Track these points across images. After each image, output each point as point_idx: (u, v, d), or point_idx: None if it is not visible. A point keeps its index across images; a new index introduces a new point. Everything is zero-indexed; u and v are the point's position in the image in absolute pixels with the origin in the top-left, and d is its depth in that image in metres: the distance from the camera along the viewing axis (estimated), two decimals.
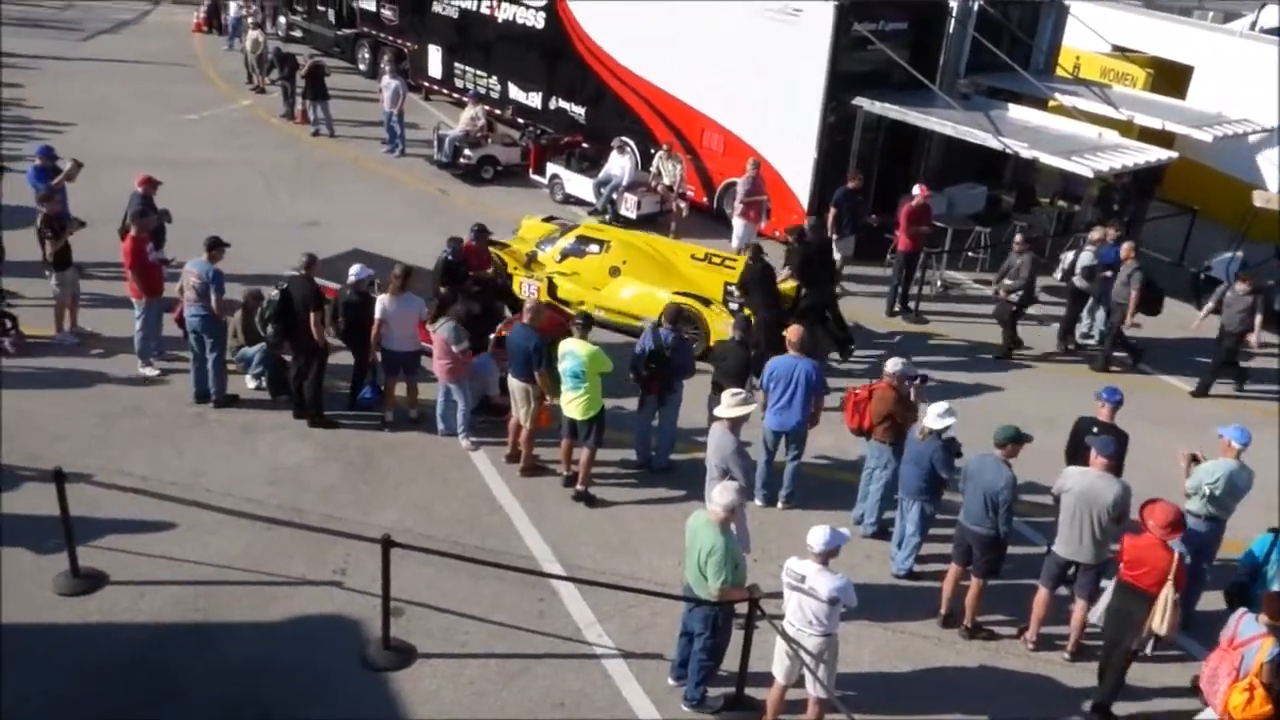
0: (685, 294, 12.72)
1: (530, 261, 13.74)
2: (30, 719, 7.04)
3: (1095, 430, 8.90)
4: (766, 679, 7.40)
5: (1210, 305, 13.88)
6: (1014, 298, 13.58)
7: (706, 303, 12.72)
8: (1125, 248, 13.59)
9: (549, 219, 15.49)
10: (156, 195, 12.84)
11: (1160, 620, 7.37)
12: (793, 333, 10.01)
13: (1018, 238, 13.84)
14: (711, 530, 6.99)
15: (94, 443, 10.20)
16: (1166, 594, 7.32)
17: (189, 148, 19.56)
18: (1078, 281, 13.85)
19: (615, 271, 13.40)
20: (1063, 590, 8.49)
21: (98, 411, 10.75)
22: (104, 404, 10.87)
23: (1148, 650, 8.19)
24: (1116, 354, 13.77)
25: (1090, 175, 14.59)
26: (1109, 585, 7.91)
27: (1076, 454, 8.90)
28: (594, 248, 13.76)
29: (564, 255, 13.79)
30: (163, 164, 16.48)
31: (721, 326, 12.11)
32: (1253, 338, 12.97)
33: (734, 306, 12.51)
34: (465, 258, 11.88)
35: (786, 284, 12.99)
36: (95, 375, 11.45)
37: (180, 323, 11.17)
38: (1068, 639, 8.48)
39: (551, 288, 13.36)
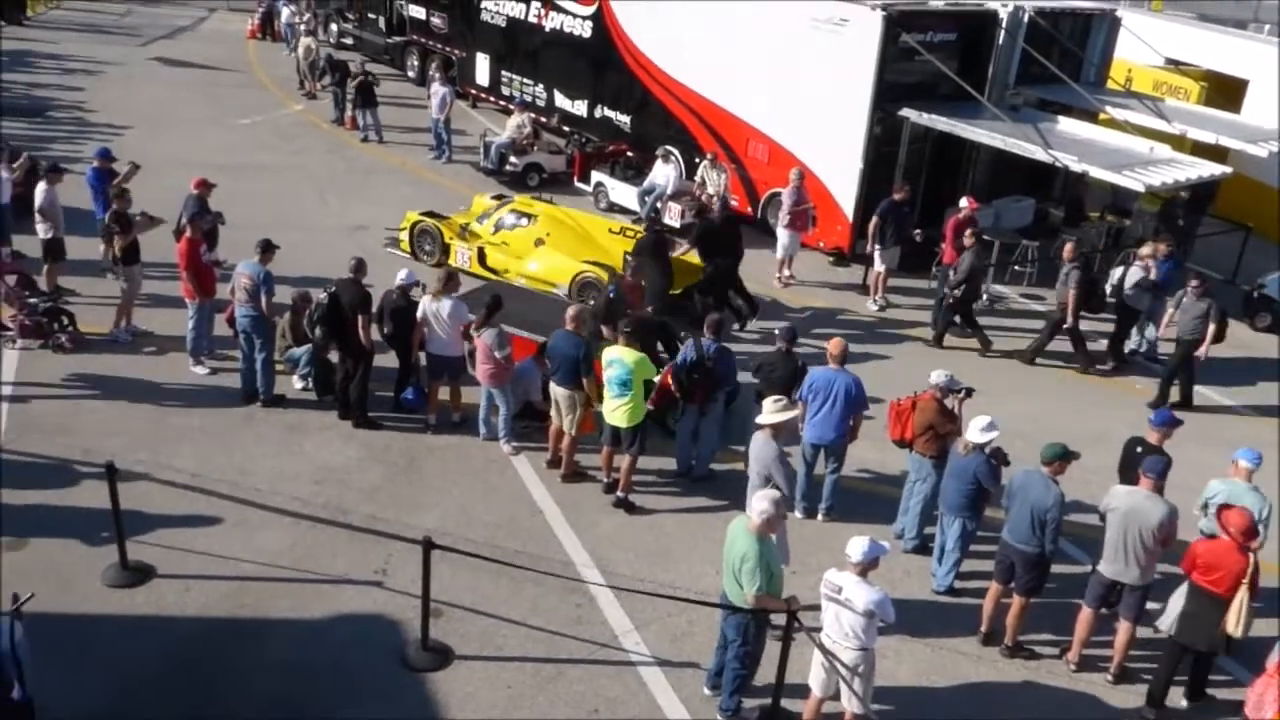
0: (593, 262, 13.66)
1: (464, 232, 14.85)
2: (79, 708, 7.18)
3: (1140, 450, 8.80)
4: (803, 691, 7.37)
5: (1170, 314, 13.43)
6: (957, 292, 13.85)
7: (610, 270, 13.33)
8: (1068, 248, 13.80)
9: (497, 197, 16.36)
10: (210, 197, 13.08)
11: (1235, 623, 7.40)
12: (834, 345, 9.95)
13: (969, 230, 14.03)
14: (748, 537, 6.99)
15: (145, 439, 10.40)
16: (1242, 597, 7.34)
17: (242, 151, 19.92)
18: (1127, 298, 13.67)
19: (540, 242, 14.32)
20: (1107, 610, 8.38)
21: (150, 408, 10.96)
22: (156, 401, 11.08)
23: (1225, 653, 8.10)
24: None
25: (1141, 190, 14.41)
26: (1178, 593, 7.85)
27: (1127, 473, 8.79)
28: (524, 221, 14.75)
29: (497, 227, 14.81)
30: (216, 167, 16.84)
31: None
32: (1201, 350, 12.70)
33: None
34: (626, 295, 11.87)
35: (690, 255, 13.81)
36: (148, 373, 11.68)
37: (231, 323, 11.37)
38: (1111, 660, 8.36)
39: (481, 256, 14.46)
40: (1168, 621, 7.92)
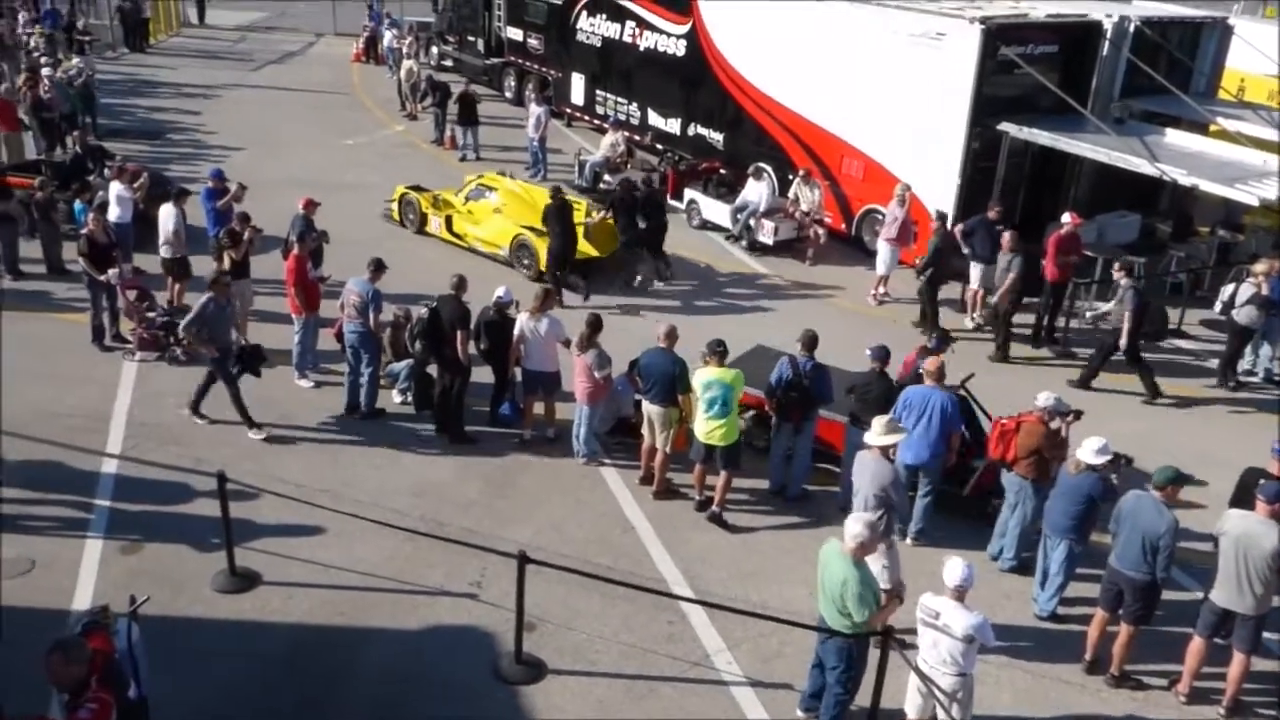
0: (528, 227, 15.59)
1: (437, 202, 17.07)
2: (186, 708, 7.42)
3: (1262, 480, 8.43)
4: (898, 716, 7.25)
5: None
6: (925, 275, 14.40)
7: (541, 234, 15.30)
8: (1006, 236, 13.83)
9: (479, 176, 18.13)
10: (316, 216, 13.50)
11: None
12: (931, 363, 9.77)
13: (935, 213, 14.69)
14: (843, 561, 6.86)
15: (253, 449, 10.76)
16: None
17: (347, 171, 20.53)
18: (1239, 316, 13.17)
19: (497, 211, 16.40)
20: (1220, 640, 8.06)
21: (257, 419, 11.30)
22: (263, 413, 11.42)
23: None
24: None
25: (1255, 203, 13.90)
26: None
27: (1242, 502, 8.44)
28: (489, 194, 16.72)
29: (468, 199, 16.89)
30: (322, 186, 17.38)
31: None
32: (1122, 341, 12.66)
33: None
34: None
35: (608, 220, 15.70)
36: (255, 384, 12.02)
37: (339, 338, 11.70)
38: (1224, 693, 8.03)
39: (449, 222, 16.78)
40: None
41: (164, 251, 13.32)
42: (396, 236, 17.01)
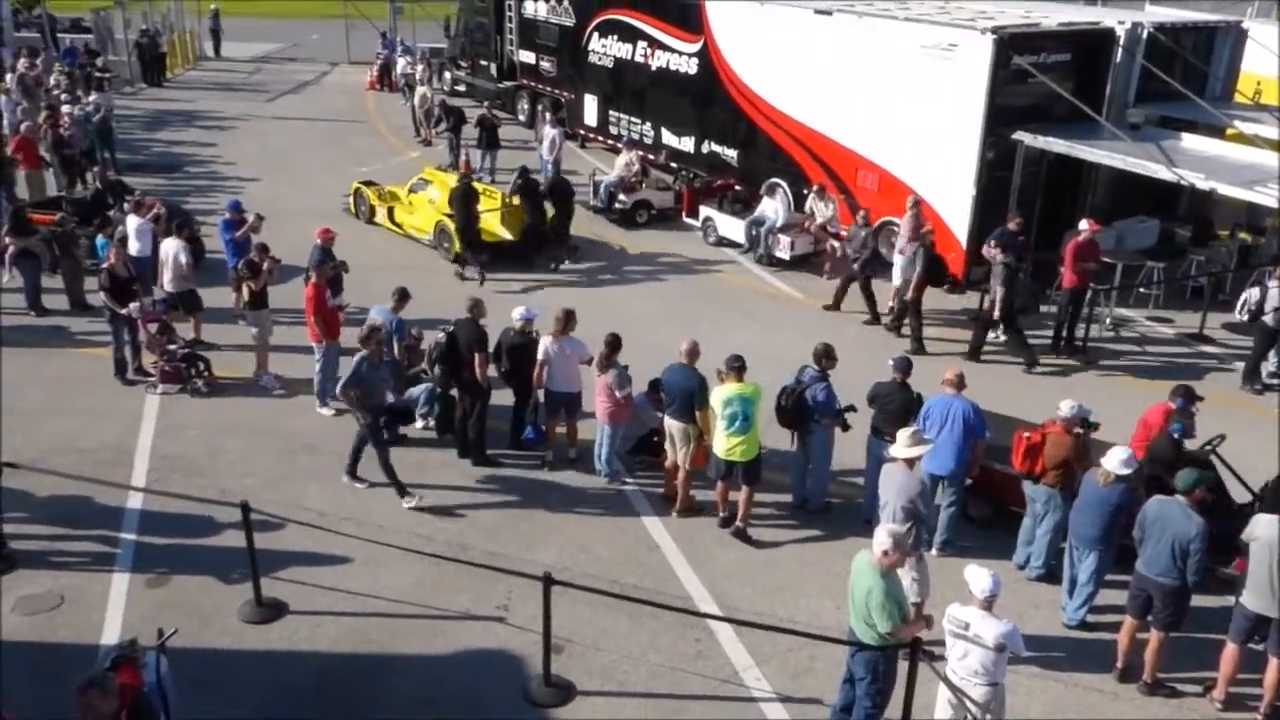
0: (449, 215, 17.01)
1: (383, 194, 18.93)
2: None
3: None
4: None
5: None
6: (856, 264, 15.23)
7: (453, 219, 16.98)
8: (906, 226, 14.55)
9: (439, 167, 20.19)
10: (335, 245, 13.56)
11: None
12: (950, 372, 9.76)
13: (861, 211, 15.59)
14: (872, 573, 6.84)
15: (276, 479, 10.81)
16: None
17: None
18: (1271, 320, 13.06)
19: (431, 202, 17.90)
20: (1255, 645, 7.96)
21: (279, 449, 11.39)
22: (285, 442, 11.51)
23: None
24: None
25: (1276, 205, 13.79)
26: None
27: (1275, 505, 8.35)
28: (426, 187, 18.33)
29: (411, 190, 18.52)
30: (338, 215, 17.49)
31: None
32: (996, 313, 13.66)
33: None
34: None
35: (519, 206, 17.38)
36: (277, 414, 12.16)
37: None
38: (1261, 699, 7.92)
39: (390, 213, 18.63)
40: None
41: (171, 286, 13.37)
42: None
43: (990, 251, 13.85)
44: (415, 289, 12.37)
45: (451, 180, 17.70)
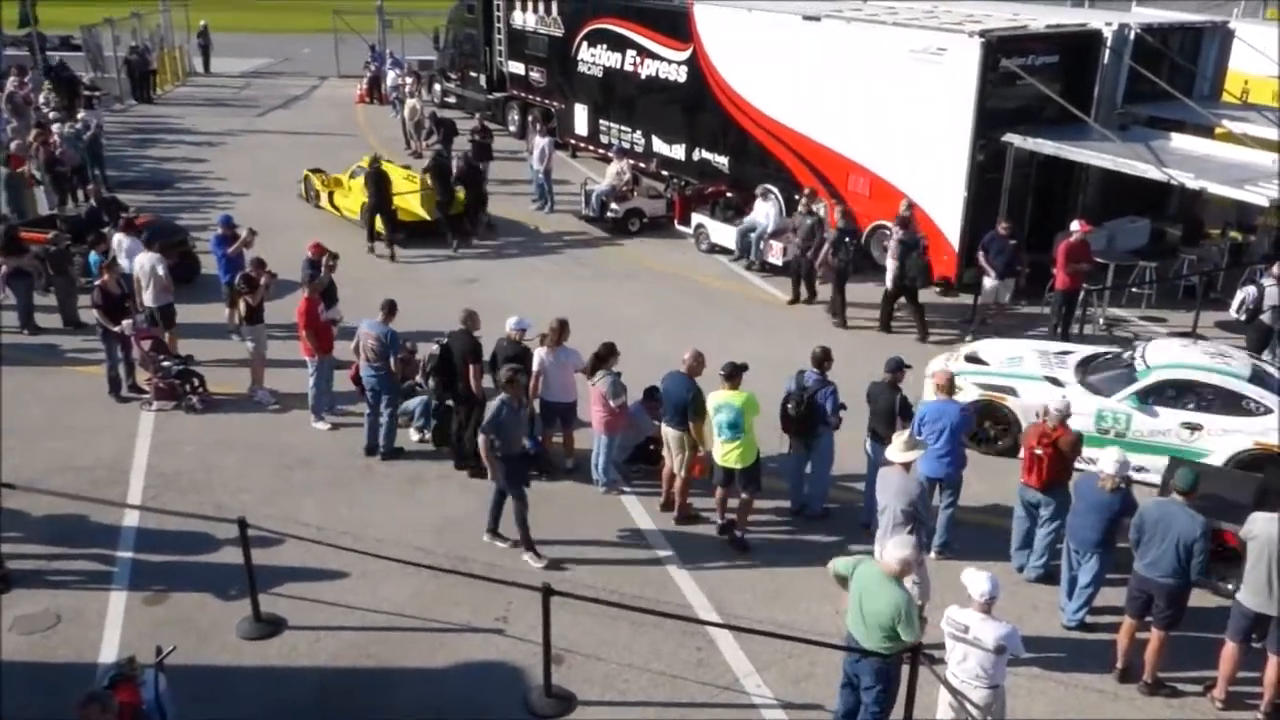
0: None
1: (325, 179, 20.57)
2: None
3: None
4: None
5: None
6: (809, 254, 15.93)
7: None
8: (801, 201, 15.78)
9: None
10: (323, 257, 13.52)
11: None
12: (939, 376, 9.80)
13: (805, 194, 16.24)
14: (890, 586, 6.74)
15: (272, 494, 10.78)
16: None
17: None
18: (1269, 319, 13.10)
19: (365, 187, 18.57)
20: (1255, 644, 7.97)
21: (275, 464, 11.36)
22: (280, 457, 11.49)
23: None
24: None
25: (1265, 204, 13.86)
26: None
27: (1263, 501, 8.38)
28: (362, 174, 19.04)
29: (351, 176, 19.81)
30: (330, 227, 17.44)
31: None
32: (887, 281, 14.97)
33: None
34: None
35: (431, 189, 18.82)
36: (272, 430, 12.13)
37: (356, 381, 11.73)
38: (1261, 697, 7.93)
39: (330, 196, 20.18)
40: None
41: (152, 300, 13.19)
42: (408, 275, 17.14)
43: (890, 234, 15.04)
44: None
45: (392, 169, 19.31)
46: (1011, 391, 11.59)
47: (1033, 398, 11.14)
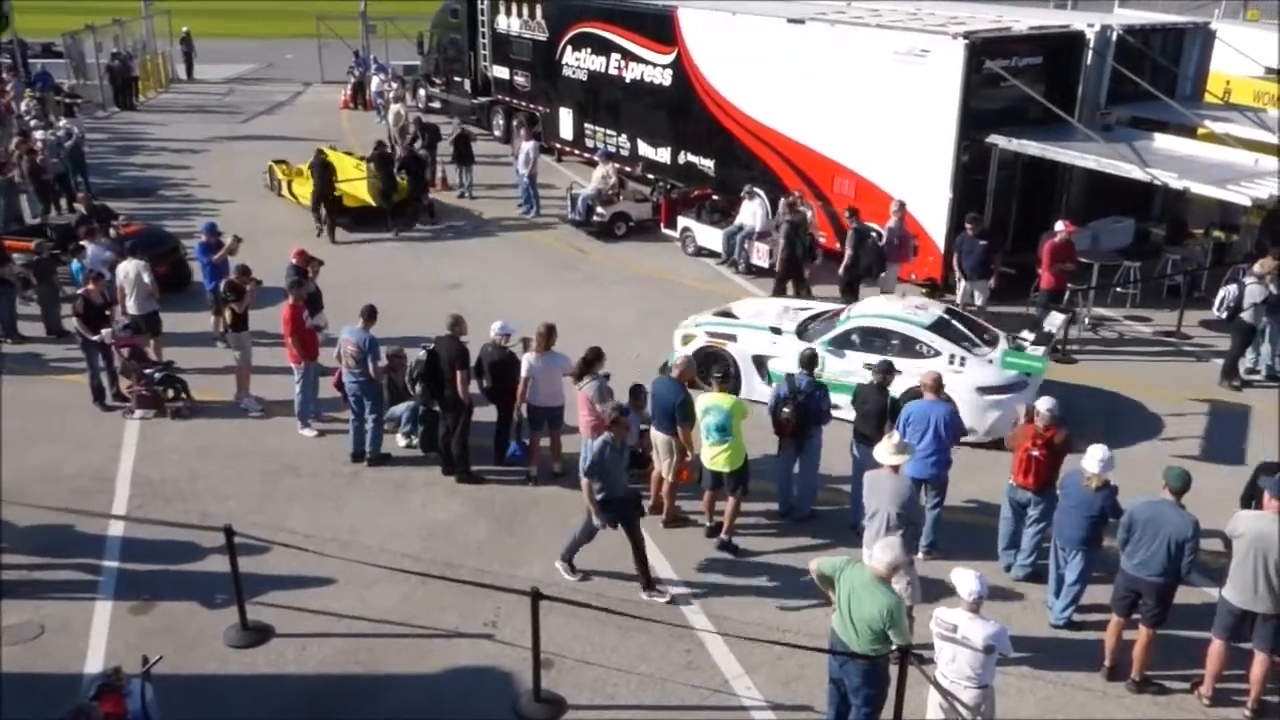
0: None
1: (288, 169, 21.96)
2: None
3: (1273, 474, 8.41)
4: None
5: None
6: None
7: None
8: (783, 204, 16.14)
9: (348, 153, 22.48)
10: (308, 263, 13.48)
11: None
12: (927, 377, 9.80)
13: (793, 197, 16.45)
14: (880, 589, 6.73)
15: (259, 501, 10.73)
16: None
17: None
18: (1249, 317, 13.17)
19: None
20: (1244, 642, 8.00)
21: (261, 471, 11.30)
22: (266, 464, 11.43)
23: None
24: None
25: (1248, 203, 13.93)
26: None
27: (1251, 498, 8.41)
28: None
29: (309, 168, 20.17)
30: (312, 233, 17.32)
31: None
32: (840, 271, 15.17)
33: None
34: None
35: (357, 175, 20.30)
36: (258, 437, 12.07)
37: (339, 388, 11.69)
38: (1248, 694, 7.96)
39: (289, 185, 21.40)
40: None
41: (136, 308, 13.10)
42: (393, 280, 17.12)
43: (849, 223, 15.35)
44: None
45: (335, 157, 20.47)
46: (732, 338, 12.83)
47: (750, 344, 12.73)
